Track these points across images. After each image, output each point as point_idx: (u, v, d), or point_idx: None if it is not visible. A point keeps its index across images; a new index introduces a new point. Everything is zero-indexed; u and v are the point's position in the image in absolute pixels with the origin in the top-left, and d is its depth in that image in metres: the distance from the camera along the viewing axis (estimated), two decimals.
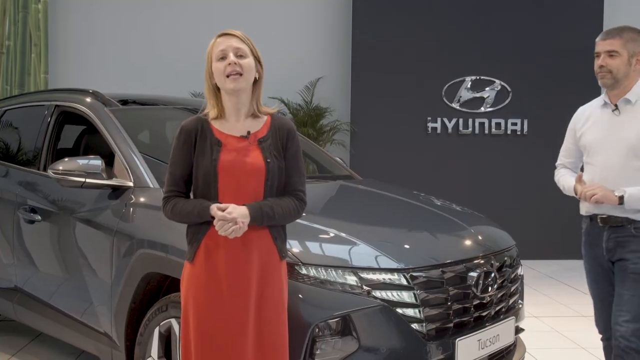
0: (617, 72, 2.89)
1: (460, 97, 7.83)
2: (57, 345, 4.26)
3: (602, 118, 3.00)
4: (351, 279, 2.62)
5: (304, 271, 2.60)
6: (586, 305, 5.72)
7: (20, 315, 3.95)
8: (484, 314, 2.96)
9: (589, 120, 3.06)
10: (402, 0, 7.72)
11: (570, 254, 7.53)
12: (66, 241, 3.55)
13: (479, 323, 2.93)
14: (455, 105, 7.83)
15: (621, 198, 2.82)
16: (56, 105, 4.03)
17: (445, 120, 7.82)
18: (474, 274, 2.91)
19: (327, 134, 7.67)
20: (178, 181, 2.35)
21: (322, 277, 2.61)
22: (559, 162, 3.27)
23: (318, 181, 3.91)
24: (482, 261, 2.98)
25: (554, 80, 7.71)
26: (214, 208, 2.23)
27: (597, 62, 2.94)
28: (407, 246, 2.91)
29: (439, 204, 3.73)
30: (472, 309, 2.89)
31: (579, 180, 3.01)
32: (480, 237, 3.21)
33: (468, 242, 3.13)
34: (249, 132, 2.34)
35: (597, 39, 2.99)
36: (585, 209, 3.06)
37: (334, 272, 2.62)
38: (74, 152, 4.30)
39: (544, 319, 5.17)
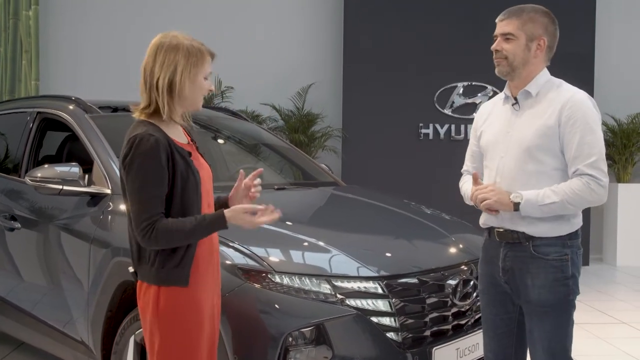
0: (514, 58, 2.43)
1: (453, 102, 7.81)
2: (39, 354, 4.22)
3: (502, 114, 2.54)
4: (325, 287, 2.60)
5: (277, 279, 2.58)
6: (579, 312, 5.64)
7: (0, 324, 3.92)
8: (463, 322, 2.93)
9: (489, 117, 2.60)
10: (394, 6, 7.70)
11: None
12: (45, 249, 3.52)
13: (458, 331, 2.90)
14: (448, 111, 7.81)
15: (517, 205, 2.36)
16: (38, 112, 4.01)
17: (438, 126, 7.80)
18: (452, 282, 2.88)
19: (319, 140, 7.64)
20: (163, 202, 2.06)
21: (296, 285, 2.58)
22: (464, 168, 2.77)
23: (300, 188, 3.89)
24: (461, 269, 2.96)
25: None
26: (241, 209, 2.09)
27: (493, 46, 2.50)
28: (382, 254, 2.89)
29: (428, 212, 3.70)
30: (450, 317, 2.86)
31: (476, 180, 2.48)
32: (461, 245, 3.18)
33: (447, 250, 3.11)
34: (192, 139, 2.29)
35: (497, 19, 2.52)
36: (482, 219, 2.56)
37: (307, 280, 2.60)
38: (57, 159, 4.28)
39: None
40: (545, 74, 2.50)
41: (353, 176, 7.63)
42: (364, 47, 7.68)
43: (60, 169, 3.25)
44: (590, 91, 7.68)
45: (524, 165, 2.41)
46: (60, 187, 3.20)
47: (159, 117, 2.13)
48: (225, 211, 2.09)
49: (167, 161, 2.07)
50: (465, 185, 2.67)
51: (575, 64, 7.75)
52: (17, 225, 3.68)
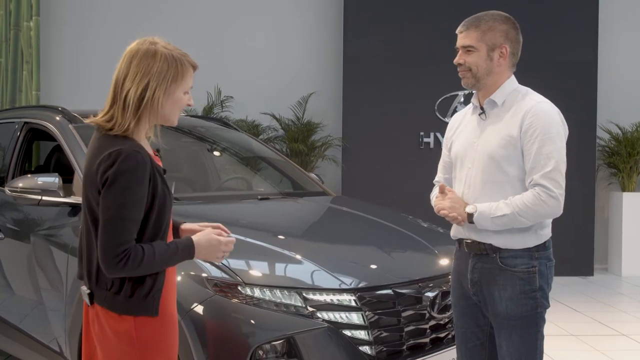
0: (477, 70, 2.37)
1: (454, 111, 7.75)
2: None
3: (470, 124, 2.48)
4: (296, 300, 2.56)
5: (247, 291, 2.54)
6: (576, 324, 5.60)
7: None
8: (442, 335, 2.87)
9: (459, 127, 2.55)
10: (394, 15, 7.67)
11: (567, 270, 7.43)
12: (27, 260, 3.51)
13: (438, 345, 2.85)
14: (449, 120, 7.72)
15: (470, 215, 2.32)
16: (25, 122, 4.02)
17: (439, 134, 7.73)
18: (430, 294, 2.82)
19: (319, 150, 7.60)
20: (138, 226, 1.88)
21: (267, 297, 2.54)
22: (435, 179, 2.71)
23: (285, 198, 3.85)
24: (440, 281, 2.90)
25: (548, 94, 7.56)
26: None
27: (455, 60, 2.43)
28: (357, 266, 2.84)
29: (425, 225, 3.63)
30: (428, 330, 2.81)
31: (442, 190, 2.45)
32: (443, 257, 3.12)
33: (427, 262, 3.05)
34: (158, 150, 2.12)
35: (457, 30, 2.47)
36: (452, 231, 2.52)
37: (278, 293, 2.56)
38: (45, 169, 4.28)
39: None
40: (511, 82, 2.45)
41: (353, 186, 7.59)
42: (363, 56, 7.65)
43: (40, 179, 3.23)
44: (593, 99, 7.70)
45: (490, 176, 2.35)
46: (39, 197, 3.19)
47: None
48: (195, 243, 1.97)
49: (148, 181, 1.89)
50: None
51: (578, 72, 7.68)
52: (1, 235, 3.67)
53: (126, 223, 1.84)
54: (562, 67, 7.59)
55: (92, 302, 1.98)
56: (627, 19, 8.09)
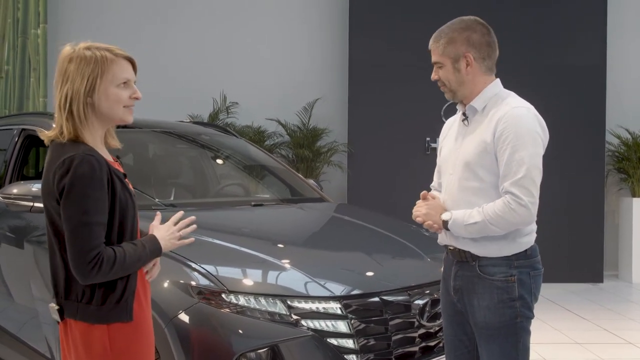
0: (449, 83, 2.37)
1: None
2: None
3: (456, 130, 2.46)
4: (280, 308, 2.53)
5: (231, 299, 2.52)
6: (582, 331, 5.52)
7: None
8: (432, 344, 2.83)
9: (448, 133, 2.55)
10: (399, 20, 7.64)
11: (576, 276, 7.33)
12: (21, 267, 3.51)
13: (428, 353, 2.81)
14: None
15: (445, 223, 2.30)
16: (22, 129, 4.03)
17: None
18: (419, 302, 2.78)
19: (325, 156, 7.58)
20: (105, 230, 1.86)
21: (251, 305, 2.52)
22: (432, 184, 2.68)
23: (279, 205, 3.82)
24: (430, 289, 2.85)
25: (555, 100, 7.52)
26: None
27: (431, 76, 2.45)
28: (344, 273, 2.81)
29: (427, 234, 3.59)
30: (417, 338, 2.77)
31: (424, 197, 2.42)
32: (436, 265, 3.07)
33: (418, 270, 3.02)
34: (118, 157, 2.13)
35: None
36: (439, 237, 2.49)
37: (263, 301, 2.53)
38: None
39: (532, 346, 4.95)
40: (493, 87, 2.39)
41: (359, 192, 7.55)
42: (369, 61, 7.62)
43: (33, 186, 3.23)
44: (602, 103, 7.61)
45: (466, 183, 2.32)
46: (31, 204, 3.19)
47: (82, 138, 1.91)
48: (159, 239, 1.96)
49: (107, 184, 1.87)
50: None
51: (587, 76, 7.59)
52: None
53: (92, 228, 1.81)
54: (571, 71, 7.51)
55: (62, 318, 1.94)
56: (635, 22, 8.00)
